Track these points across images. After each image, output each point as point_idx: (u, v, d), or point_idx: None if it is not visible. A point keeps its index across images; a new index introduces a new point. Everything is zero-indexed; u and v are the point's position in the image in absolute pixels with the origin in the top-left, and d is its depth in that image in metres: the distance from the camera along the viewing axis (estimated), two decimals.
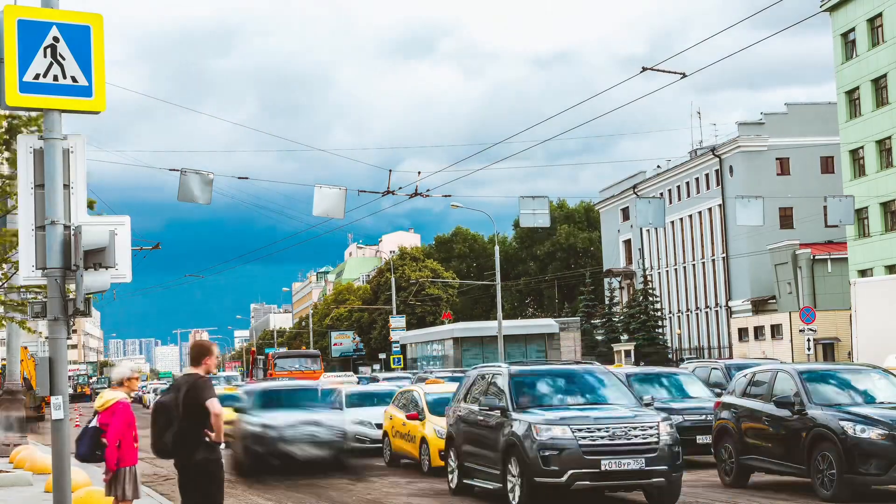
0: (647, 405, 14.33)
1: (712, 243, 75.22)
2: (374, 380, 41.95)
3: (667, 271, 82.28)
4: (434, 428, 19.05)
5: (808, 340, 39.39)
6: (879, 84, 54.51)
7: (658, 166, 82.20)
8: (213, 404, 9.07)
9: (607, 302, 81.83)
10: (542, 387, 14.47)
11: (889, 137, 53.97)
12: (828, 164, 68.35)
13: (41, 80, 8.76)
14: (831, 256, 63.29)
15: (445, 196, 34.61)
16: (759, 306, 69.55)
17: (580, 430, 12.90)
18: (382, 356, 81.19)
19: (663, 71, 20.21)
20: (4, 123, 16.84)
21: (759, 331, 66.06)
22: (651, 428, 13.06)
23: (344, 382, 34.48)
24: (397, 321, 73.21)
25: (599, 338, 77.00)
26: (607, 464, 12.74)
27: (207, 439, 9.14)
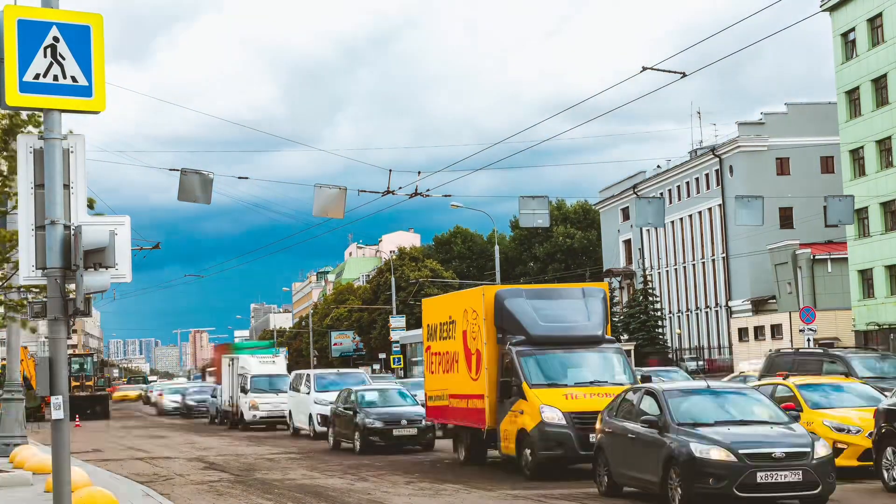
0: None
1: (712, 243, 75.23)
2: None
3: (667, 271, 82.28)
4: None
5: (808, 340, 39.40)
6: (879, 84, 54.50)
7: (658, 166, 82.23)
8: None
9: None
10: None
11: (889, 137, 53.95)
12: (828, 164, 68.36)
13: (41, 80, 8.77)
14: (831, 256, 63.29)
15: (445, 196, 34.57)
16: (759, 306, 69.56)
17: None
18: (382, 356, 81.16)
19: (663, 70, 20.19)
20: (4, 122, 16.83)
21: (759, 331, 66.07)
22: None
23: None
24: (397, 321, 73.14)
25: None
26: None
27: None
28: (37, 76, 8.75)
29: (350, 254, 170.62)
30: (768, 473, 13.11)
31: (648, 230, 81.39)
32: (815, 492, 13.32)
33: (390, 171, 26.93)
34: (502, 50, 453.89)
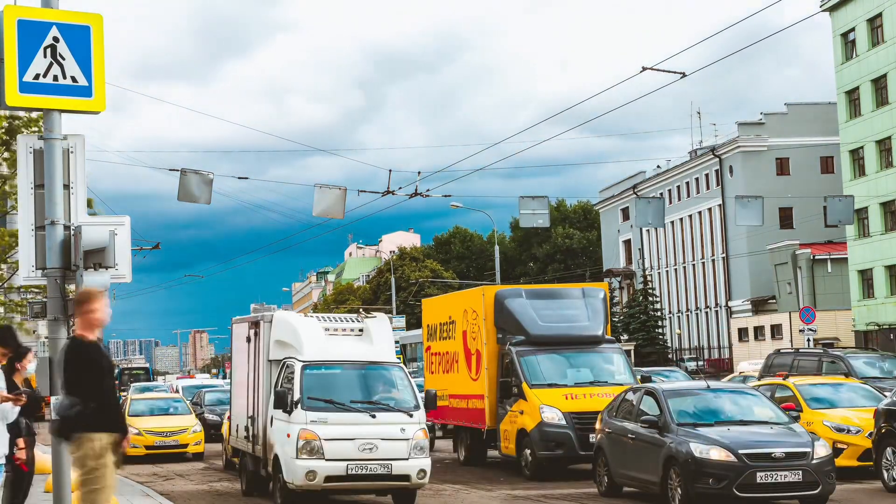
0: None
1: (712, 243, 75.20)
2: None
3: (667, 271, 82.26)
4: None
5: (808, 340, 39.42)
6: (879, 84, 54.49)
7: (658, 166, 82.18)
8: None
9: None
10: None
11: (889, 137, 53.94)
12: (828, 164, 68.33)
13: (41, 80, 8.76)
14: (831, 256, 63.27)
15: (445, 196, 34.55)
16: (759, 306, 69.53)
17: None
18: None
19: (663, 70, 20.18)
20: (5, 124, 16.84)
21: (758, 331, 66.02)
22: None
23: None
24: (397, 321, 73.16)
25: None
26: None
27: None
28: (37, 76, 8.75)
29: (350, 254, 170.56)
30: (768, 473, 13.10)
31: (648, 230, 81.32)
32: (815, 492, 13.32)
33: (390, 171, 26.93)
34: (555, 61, 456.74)
